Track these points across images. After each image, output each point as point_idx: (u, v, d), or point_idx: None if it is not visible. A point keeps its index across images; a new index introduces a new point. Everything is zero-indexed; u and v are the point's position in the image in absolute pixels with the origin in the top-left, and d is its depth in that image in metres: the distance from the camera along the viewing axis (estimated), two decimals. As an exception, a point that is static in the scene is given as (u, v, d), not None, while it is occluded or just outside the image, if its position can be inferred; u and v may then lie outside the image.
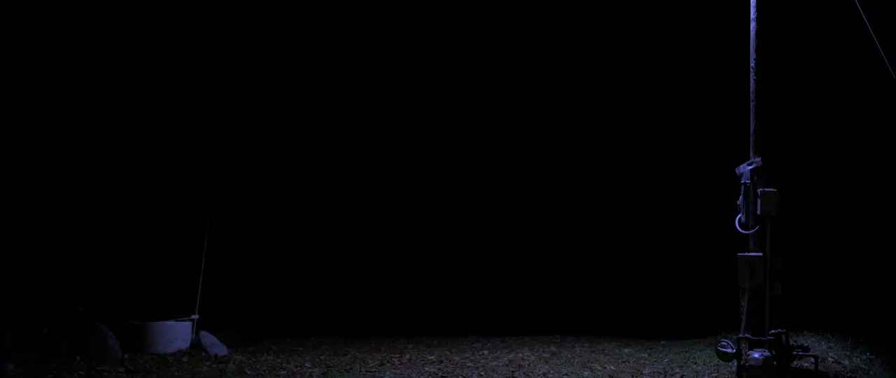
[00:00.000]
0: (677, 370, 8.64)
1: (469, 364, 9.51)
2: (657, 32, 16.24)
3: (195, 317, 10.78)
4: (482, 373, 8.80)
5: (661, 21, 16.03)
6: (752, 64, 7.95)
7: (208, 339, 10.64)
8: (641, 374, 8.55)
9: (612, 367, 9.04)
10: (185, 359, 9.77)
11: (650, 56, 16.53)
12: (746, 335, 7.56)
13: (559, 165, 17.26)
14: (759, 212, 7.62)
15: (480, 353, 10.60)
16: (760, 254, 7.56)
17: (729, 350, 7.75)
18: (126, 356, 9.71)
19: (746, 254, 7.63)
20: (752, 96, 7.95)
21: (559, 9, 16.67)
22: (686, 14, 15.15)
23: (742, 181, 8.64)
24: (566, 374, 8.57)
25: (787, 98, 10.54)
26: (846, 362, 8.72)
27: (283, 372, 8.94)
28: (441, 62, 17.24)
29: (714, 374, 8.21)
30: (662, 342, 11.50)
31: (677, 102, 16.37)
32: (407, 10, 16.53)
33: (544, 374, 8.61)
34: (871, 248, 14.63)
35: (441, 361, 9.77)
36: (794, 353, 7.80)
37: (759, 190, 7.61)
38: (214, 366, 9.29)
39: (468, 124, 17.42)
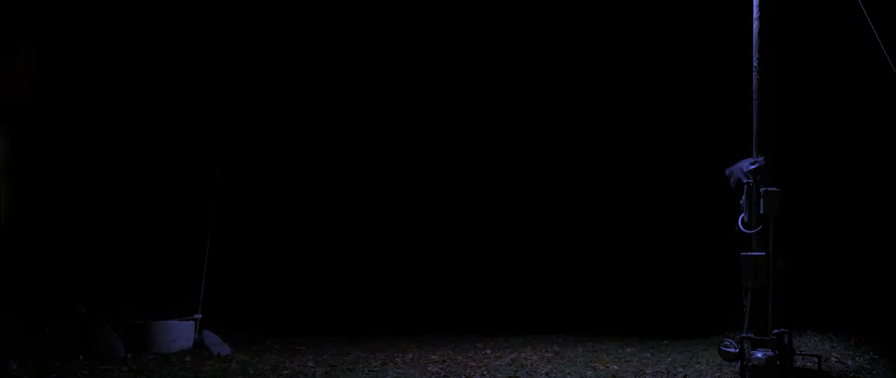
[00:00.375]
0: (680, 370, 8.64)
1: (472, 364, 9.52)
2: (660, 32, 16.24)
3: (198, 316, 10.79)
4: (485, 372, 8.80)
5: (664, 22, 16.03)
6: (755, 63, 7.94)
7: (211, 338, 10.65)
8: (644, 373, 8.55)
9: (615, 367, 9.03)
10: (188, 358, 9.78)
11: (653, 56, 16.52)
12: (749, 335, 7.55)
13: (562, 165, 17.26)
14: (761, 211, 7.62)
15: (483, 352, 10.60)
16: (763, 253, 7.55)
17: (732, 350, 7.75)
18: (129, 355, 9.72)
19: (749, 253, 7.63)
20: (754, 95, 7.94)
21: (560, 9, 16.68)
22: (689, 14, 15.16)
23: (736, 179, 8.63)
24: (569, 374, 8.56)
25: (790, 98, 10.53)
26: (849, 362, 8.71)
27: (285, 371, 8.94)
28: (441, 62, 17.25)
29: (717, 374, 8.20)
30: (665, 342, 11.50)
31: (680, 102, 16.36)
32: (407, 10, 16.55)
33: (547, 374, 8.61)
34: (875, 248, 14.62)
35: (444, 361, 9.77)
36: (797, 353, 7.80)
37: (761, 189, 7.60)
38: (217, 365, 9.30)
39: (469, 124, 17.42)
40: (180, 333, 10.51)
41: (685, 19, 15.46)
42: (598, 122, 17.08)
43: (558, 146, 17.47)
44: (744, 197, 7.89)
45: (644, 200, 16.48)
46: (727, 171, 9.01)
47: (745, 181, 8.50)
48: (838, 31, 12.25)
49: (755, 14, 7.95)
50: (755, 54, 7.96)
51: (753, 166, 7.79)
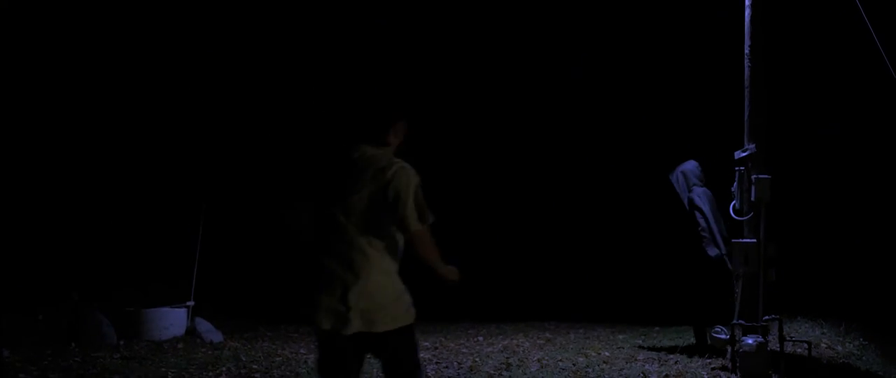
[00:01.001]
0: (672, 356, 8.68)
1: (464, 350, 9.55)
2: (651, 21, 16.28)
3: (191, 303, 10.79)
4: (477, 359, 8.83)
5: (657, 10, 16.07)
6: (747, 50, 7.94)
7: (203, 325, 10.66)
8: (636, 359, 8.59)
9: (607, 353, 9.08)
10: (180, 345, 9.78)
11: (643, 46, 16.57)
12: (740, 321, 7.58)
13: (555, 158, 17.31)
14: (753, 198, 7.63)
15: (475, 339, 10.64)
16: (754, 240, 7.57)
17: (722, 336, 7.78)
18: (121, 343, 9.72)
19: (740, 240, 7.65)
20: (746, 83, 7.94)
21: (556, 7, 16.74)
22: (680, 10, 15.21)
23: (681, 182, 8.76)
24: (561, 360, 8.59)
25: (780, 86, 10.57)
26: (839, 348, 8.77)
27: (278, 358, 8.96)
28: (441, 61, 17.31)
29: (708, 360, 8.24)
30: (656, 329, 11.56)
31: (669, 91, 16.40)
32: (406, 10, 16.60)
33: (539, 360, 8.63)
34: (865, 236, 14.71)
35: (436, 348, 9.80)
36: (788, 339, 7.84)
37: (753, 176, 7.61)
38: (210, 352, 9.31)
39: (464, 119, 17.48)
40: (173, 321, 10.50)
41: (676, 14, 15.53)
42: (590, 115, 17.15)
43: (552, 139, 17.53)
44: (735, 184, 7.89)
45: (635, 190, 16.53)
46: (672, 178, 9.12)
47: (683, 182, 8.67)
48: (823, 16, 12.28)
49: (747, 1, 7.95)
50: (747, 41, 7.95)
51: (745, 153, 7.81)
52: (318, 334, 4.08)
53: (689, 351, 8.83)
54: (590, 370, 7.97)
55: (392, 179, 4.01)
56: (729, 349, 7.71)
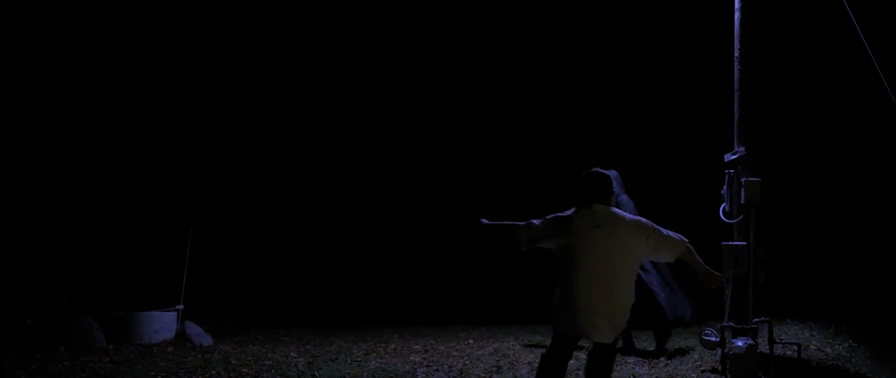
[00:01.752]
0: (663, 358, 8.69)
1: (454, 353, 9.54)
2: (642, 24, 16.32)
3: (180, 307, 10.75)
4: (467, 362, 8.82)
5: (647, 13, 16.11)
6: (737, 54, 7.97)
7: (193, 329, 10.62)
8: (626, 362, 8.60)
9: (597, 356, 9.06)
10: (170, 349, 9.75)
11: (633, 48, 16.60)
12: (730, 324, 7.60)
13: (545, 156, 17.31)
14: (742, 201, 7.65)
15: (466, 342, 10.63)
16: (744, 243, 7.59)
17: (713, 338, 7.80)
18: (111, 347, 9.67)
19: (730, 243, 7.66)
20: (736, 86, 7.97)
21: (548, 10, 16.77)
22: (672, 5, 15.23)
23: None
24: (551, 363, 8.57)
25: (767, 89, 10.60)
26: (829, 350, 8.79)
27: (268, 362, 8.93)
28: (436, 62, 17.32)
29: (698, 362, 8.25)
30: (647, 331, 11.53)
31: (664, 93, 16.43)
32: (401, 11, 16.62)
33: (529, 363, 8.63)
34: (853, 238, 14.75)
35: (426, 351, 9.79)
36: (777, 341, 7.86)
37: (743, 179, 7.63)
38: (199, 356, 9.27)
39: (457, 120, 17.49)
40: (162, 324, 10.46)
41: (666, 17, 15.58)
42: (581, 117, 17.17)
43: (543, 140, 17.54)
44: (725, 186, 7.90)
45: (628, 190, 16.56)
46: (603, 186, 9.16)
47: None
48: (813, 19, 12.33)
49: (736, 4, 7.97)
50: (736, 45, 7.98)
51: (734, 156, 7.83)
52: (563, 341, 5.95)
53: (679, 353, 8.84)
54: (580, 373, 7.96)
55: (642, 226, 5.66)
56: (719, 351, 7.72)
